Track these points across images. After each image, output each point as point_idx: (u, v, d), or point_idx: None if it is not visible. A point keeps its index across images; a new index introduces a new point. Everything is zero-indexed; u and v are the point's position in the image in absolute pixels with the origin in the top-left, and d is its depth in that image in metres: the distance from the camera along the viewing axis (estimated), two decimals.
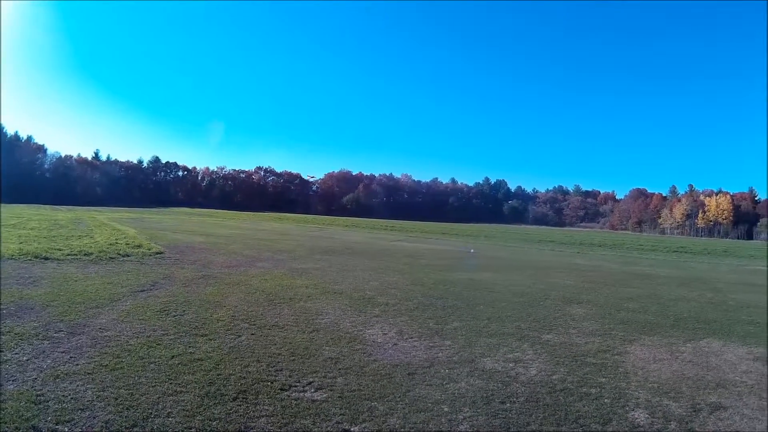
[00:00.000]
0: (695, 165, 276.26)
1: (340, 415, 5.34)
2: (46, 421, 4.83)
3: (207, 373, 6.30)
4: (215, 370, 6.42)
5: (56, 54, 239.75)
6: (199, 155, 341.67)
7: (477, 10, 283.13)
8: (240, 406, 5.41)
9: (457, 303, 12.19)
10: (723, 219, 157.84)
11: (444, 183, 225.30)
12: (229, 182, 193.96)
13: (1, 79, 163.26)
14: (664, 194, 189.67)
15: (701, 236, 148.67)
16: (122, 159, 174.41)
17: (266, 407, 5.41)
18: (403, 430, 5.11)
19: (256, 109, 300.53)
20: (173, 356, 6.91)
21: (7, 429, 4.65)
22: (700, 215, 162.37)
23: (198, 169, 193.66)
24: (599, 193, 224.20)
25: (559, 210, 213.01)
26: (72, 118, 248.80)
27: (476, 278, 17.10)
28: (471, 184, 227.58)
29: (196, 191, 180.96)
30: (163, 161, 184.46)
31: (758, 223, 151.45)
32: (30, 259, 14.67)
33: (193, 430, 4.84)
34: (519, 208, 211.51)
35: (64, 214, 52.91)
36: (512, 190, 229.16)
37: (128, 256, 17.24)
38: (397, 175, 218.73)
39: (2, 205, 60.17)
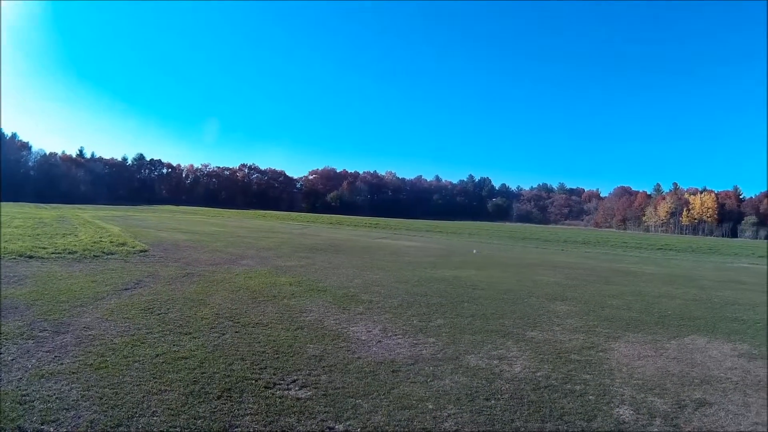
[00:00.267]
0: (680, 163, 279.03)
1: (325, 412, 5.35)
2: (32, 421, 4.80)
3: (191, 372, 6.27)
4: (199, 369, 6.40)
5: (41, 50, 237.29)
6: (184, 152, 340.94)
7: (460, 8, 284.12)
8: (224, 404, 5.39)
9: (441, 300, 12.22)
10: (707, 217, 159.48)
11: (428, 180, 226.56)
12: (214, 179, 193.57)
13: None
14: (648, 192, 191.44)
15: (685, 234, 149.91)
16: (107, 156, 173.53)
17: (251, 405, 5.40)
18: (387, 427, 5.12)
19: (240, 106, 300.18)
20: (158, 355, 6.88)
21: None
22: (684, 213, 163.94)
23: (182, 166, 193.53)
24: (584, 190, 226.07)
25: (544, 208, 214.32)
26: (57, 115, 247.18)
27: (460, 275, 17.15)
28: (455, 181, 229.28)
29: (180, 188, 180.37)
30: (148, 158, 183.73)
31: (742, 221, 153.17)
32: (14, 258, 14.53)
33: (177, 428, 4.82)
34: (503, 205, 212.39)
35: (48, 212, 52.47)
36: (496, 188, 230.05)
37: (112, 254, 17.13)
38: (382, 172, 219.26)
39: None
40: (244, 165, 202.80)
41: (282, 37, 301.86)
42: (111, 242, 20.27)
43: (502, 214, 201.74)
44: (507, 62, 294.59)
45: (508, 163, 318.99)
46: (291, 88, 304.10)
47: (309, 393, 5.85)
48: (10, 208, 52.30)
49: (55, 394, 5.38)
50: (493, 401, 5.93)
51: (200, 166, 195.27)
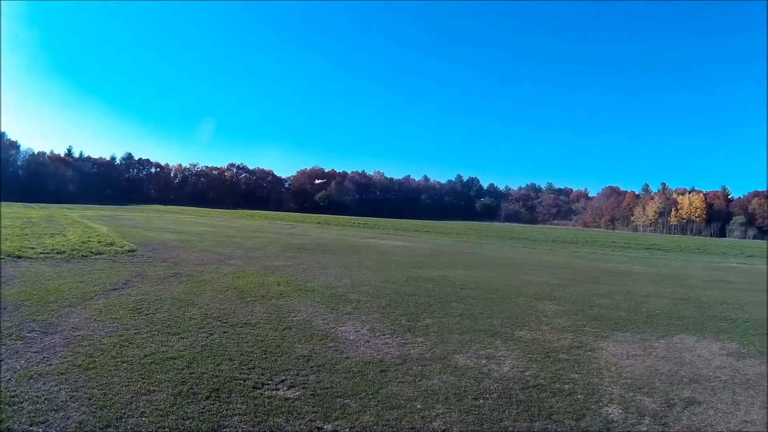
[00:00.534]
0: (668, 163, 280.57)
1: (313, 413, 5.35)
2: (21, 422, 4.77)
3: (180, 372, 6.26)
4: (188, 369, 6.39)
5: (29, 49, 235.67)
6: (173, 152, 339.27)
7: (447, 9, 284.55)
8: (213, 404, 5.39)
9: (429, 300, 12.24)
10: (696, 217, 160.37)
11: (416, 180, 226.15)
12: (202, 179, 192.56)
13: None
14: (637, 192, 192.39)
15: (674, 234, 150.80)
16: (95, 156, 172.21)
17: (239, 406, 5.40)
18: (376, 427, 5.13)
19: (228, 106, 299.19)
20: (146, 355, 6.86)
21: None
22: (672, 213, 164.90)
23: (171, 165, 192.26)
24: (572, 190, 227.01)
25: (532, 207, 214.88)
26: (45, 114, 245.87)
27: (448, 275, 17.18)
28: (443, 181, 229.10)
29: (168, 188, 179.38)
30: (136, 158, 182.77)
31: (731, 221, 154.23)
32: (2, 258, 14.42)
33: (166, 429, 4.81)
34: (491, 205, 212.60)
35: (36, 211, 52.19)
36: (485, 188, 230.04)
37: (101, 254, 17.04)
38: (370, 172, 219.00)
39: None
40: (232, 164, 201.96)
41: (269, 35, 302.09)
42: (99, 242, 20.17)
43: (490, 213, 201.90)
44: (496, 62, 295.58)
45: (497, 163, 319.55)
46: (279, 87, 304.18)
47: (297, 393, 5.85)
48: None
49: (44, 395, 5.36)
50: (481, 401, 5.95)
51: (188, 166, 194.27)
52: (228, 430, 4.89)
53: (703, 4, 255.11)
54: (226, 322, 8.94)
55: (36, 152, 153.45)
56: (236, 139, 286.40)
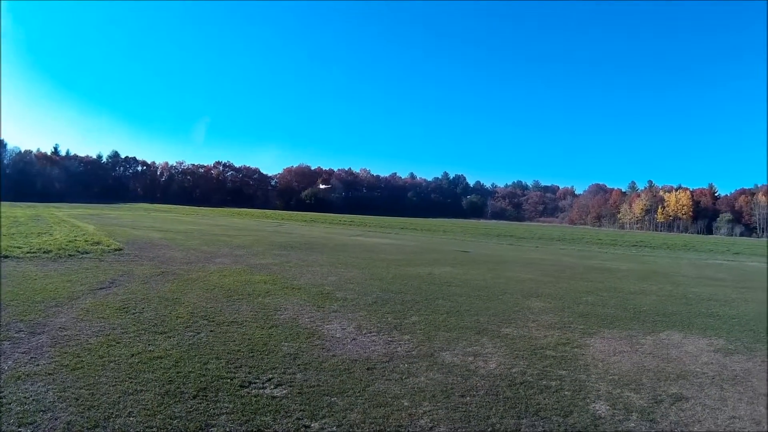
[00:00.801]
0: (655, 161, 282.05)
1: (300, 411, 5.35)
2: (9, 423, 4.74)
3: (167, 371, 6.25)
4: (175, 368, 6.37)
5: (14, 47, 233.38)
6: (159, 149, 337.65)
7: (432, 6, 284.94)
8: (200, 403, 5.38)
9: (416, 297, 12.26)
10: (682, 214, 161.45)
11: (403, 178, 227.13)
12: (188, 177, 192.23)
13: None
14: (623, 189, 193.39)
15: (661, 231, 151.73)
16: (82, 154, 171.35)
17: (226, 404, 5.40)
18: (363, 425, 5.14)
19: (214, 103, 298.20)
20: (133, 354, 6.83)
21: None
22: (659, 210, 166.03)
23: (157, 164, 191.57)
24: (558, 188, 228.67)
25: (518, 205, 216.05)
26: (31, 112, 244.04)
27: (435, 273, 17.22)
28: (430, 179, 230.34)
29: (155, 186, 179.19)
30: (123, 156, 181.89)
31: (718, 219, 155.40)
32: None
33: (154, 428, 4.80)
34: (478, 203, 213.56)
35: (23, 210, 51.76)
36: (471, 185, 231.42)
37: (87, 253, 16.95)
38: (356, 169, 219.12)
39: None
40: (218, 163, 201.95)
41: (256, 33, 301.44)
42: (86, 241, 20.04)
43: (476, 211, 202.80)
44: (483, 59, 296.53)
45: (483, 161, 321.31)
46: (265, 85, 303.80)
47: (284, 391, 5.85)
48: None
49: (31, 396, 5.33)
50: (468, 398, 5.96)
51: (175, 164, 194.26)
52: (215, 429, 4.88)
53: (689, 4, 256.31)
54: (213, 321, 8.92)
55: (22, 151, 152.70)
56: (223, 137, 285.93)
